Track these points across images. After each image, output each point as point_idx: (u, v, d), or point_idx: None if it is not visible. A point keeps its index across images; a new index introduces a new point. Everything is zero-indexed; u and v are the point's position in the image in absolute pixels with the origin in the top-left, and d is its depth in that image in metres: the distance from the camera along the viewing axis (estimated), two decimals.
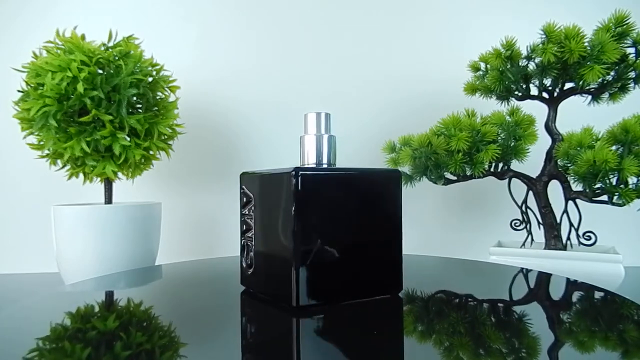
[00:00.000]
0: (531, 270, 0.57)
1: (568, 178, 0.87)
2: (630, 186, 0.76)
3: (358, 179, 0.40)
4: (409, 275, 0.52)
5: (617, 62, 0.82)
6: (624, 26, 0.81)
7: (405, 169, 0.97)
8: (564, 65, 0.83)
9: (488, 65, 0.92)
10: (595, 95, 0.89)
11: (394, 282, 0.41)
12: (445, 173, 0.92)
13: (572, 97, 0.90)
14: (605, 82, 0.86)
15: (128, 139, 0.91)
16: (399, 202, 0.41)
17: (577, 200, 0.87)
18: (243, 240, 0.45)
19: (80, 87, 0.82)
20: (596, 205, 0.83)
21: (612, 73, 0.84)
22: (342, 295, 0.39)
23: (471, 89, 0.97)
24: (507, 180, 0.94)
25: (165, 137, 1.00)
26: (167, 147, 1.00)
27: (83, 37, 0.92)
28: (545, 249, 0.88)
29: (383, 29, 1.30)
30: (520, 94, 0.92)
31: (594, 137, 0.83)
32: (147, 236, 0.97)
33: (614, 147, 0.78)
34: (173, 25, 1.30)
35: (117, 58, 0.89)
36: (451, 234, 1.29)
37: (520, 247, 0.92)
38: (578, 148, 0.80)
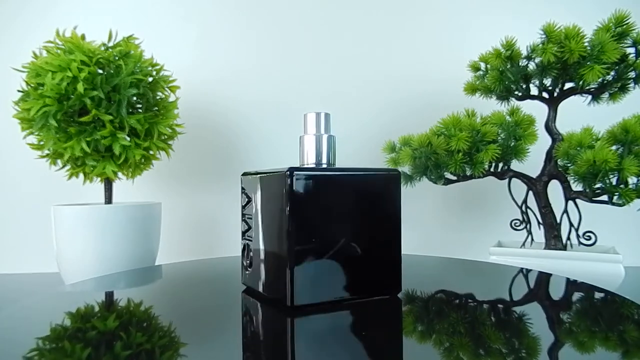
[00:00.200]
0: (531, 270, 0.57)
1: (568, 178, 0.87)
2: (630, 186, 0.76)
3: (355, 179, 0.40)
4: (409, 275, 0.52)
5: (617, 62, 0.82)
6: (624, 26, 0.81)
7: (405, 169, 0.97)
8: (564, 65, 0.83)
9: (488, 65, 0.92)
10: (595, 95, 0.89)
11: (393, 282, 0.41)
12: (445, 173, 0.92)
13: (572, 97, 0.90)
14: (605, 82, 0.86)
15: (128, 139, 0.91)
16: (398, 202, 0.41)
17: (577, 200, 0.87)
18: (243, 240, 0.45)
19: (80, 87, 0.82)
20: (596, 205, 0.83)
21: (612, 73, 0.84)
22: (339, 295, 0.39)
23: (471, 89, 0.97)
24: (507, 180, 0.94)
25: (165, 137, 1.00)
26: (167, 147, 1.00)
27: (83, 37, 0.92)
28: (545, 249, 0.88)
29: (383, 29, 1.30)
30: (520, 94, 0.92)
31: (594, 137, 0.83)
32: (147, 236, 0.97)
33: (614, 147, 0.78)
34: (173, 25, 1.30)
35: (117, 58, 0.89)
36: (451, 234, 1.29)
37: (520, 247, 0.92)
38: (578, 148, 0.80)
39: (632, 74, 0.84)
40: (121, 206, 0.92)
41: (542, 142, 0.91)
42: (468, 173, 0.91)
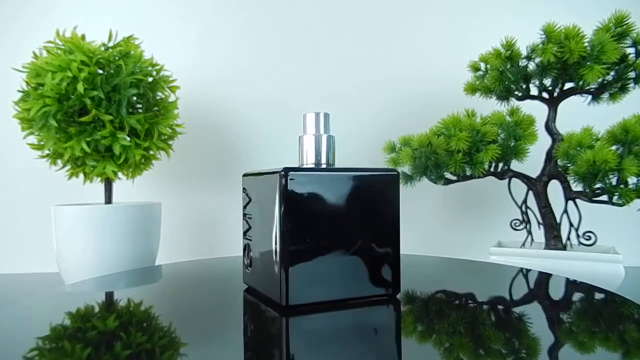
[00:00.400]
0: (531, 270, 0.57)
1: (568, 178, 0.87)
2: (630, 186, 0.76)
3: (352, 179, 0.39)
4: (409, 275, 0.52)
5: (617, 62, 0.82)
6: (624, 26, 0.81)
7: (405, 169, 0.97)
8: (564, 65, 0.83)
9: (488, 65, 0.92)
10: (595, 95, 0.89)
11: (391, 283, 0.41)
12: (445, 173, 0.92)
13: (572, 97, 0.90)
14: (605, 82, 0.86)
15: (128, 139, 0.91)
16: (396, 203, 0.41)
17: (577, 200, 0.87)
18: (244, 240, 0.45)
19: (80, 87, 0.82)
20: (596, 205, 0.83)
21: (612, 73, 0.84)
22: (336, 296, 0.39)
23: (471, 89, 0.97)
24: (507, 180, 0.94)
25: (165, 137, 1.00)
26: (167, 147, 1.00)
27: (83, 37, 0.92)
28: (545, 249, 0.88)
29: (383, 29, 1.30)
30: (520, 94, 0.92)
31: (594, 137, 0.83)
32: (147, 236, 0.97)
33: (614, 147, 0.78)
34: (173, 25, 1.30)
35: (117, 58, 0.89)
36: (451, 234, 1.29)
37: (520, 247, 0.92)
38: (578, 148, 0.80)
39: (632, 74, 0.84)
40: (121, 206, 0.92)
41: (542, 142, 0.91)
42: (468, 173, 0.91)
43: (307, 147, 0.42)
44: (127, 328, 0.35)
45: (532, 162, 0.92)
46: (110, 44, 0.94)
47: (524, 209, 0.94)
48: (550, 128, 0.91)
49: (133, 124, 0.89)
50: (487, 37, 0.96)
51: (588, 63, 0.80)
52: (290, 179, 0.37)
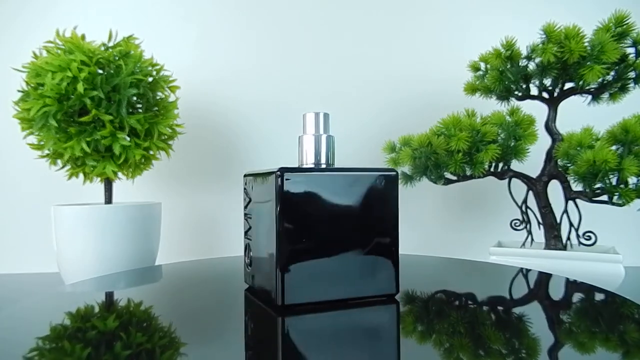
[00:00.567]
0: (531, 270, 0.57)
1: (568, 178, 0.87)
2: (630, 186, 0.76)
3: (350, 179, 0.39)
4: (409, 275, 0.52)
5: (617, 62, 0.82)
6: (624, 26, 0.81)
7: (406, 169, 0.97)
8: (564, 65, 0.83)
9: (488, 65, 0.92)
10: (595, 95, 0.89)
11: (390, 283, 0.41)
12: (445, 173, 0.92)
13: (572, 97, 0.90)
14: (605, 82, 0.86)
15: (128, 139, 0.91)
16: (395, 203, 0.41)
17: (577, 200, 0.87)
18: (245, 240, 0.45)
19: (80, 87, 0.82)
20: (596, 205, 0.83)
21: (612, 73, 0.84)
22: (333, 296, 0.39)
23: (471, 89, 0.97)
24: (507, 180, 0.94)
25: (165, 137, 1.00)
26: (167, 147, 1.00)
27: (83, 37, 0.92)
28: (545, 249, 0.88)
29: (383, 29, 1.30)
30: (520, 94, 0.92)
31: (594, 137, 0.83)
32: (147, 236, 0.97)
33: (614, 147, 0.78)
34: (173, 25, 1.30)
35: (117, 58, 0.89)
36: (451, 234, 1.29)
37: (520, 247, 0.92)
38: (578, 148, 0.80)
39: (632, 74, 0.84)
40: (121, 206, 0.92)
41: (542, 142, 0.91)
42: (468, 173, 0.91)
43: (306, 147, 0.42)
44: (127, 328, 0.35)
45: (532, 162, 0.92)
46: (110, 44, 0.94)
47: (524, 209, 0.94)
48: (550, 128, 0.91)
49: (133, 124, 0.89)
50: (487, 37, 0.96)
51: (588, 63, 0.80)
52: (286, 179, 0.37)
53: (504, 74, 0.89)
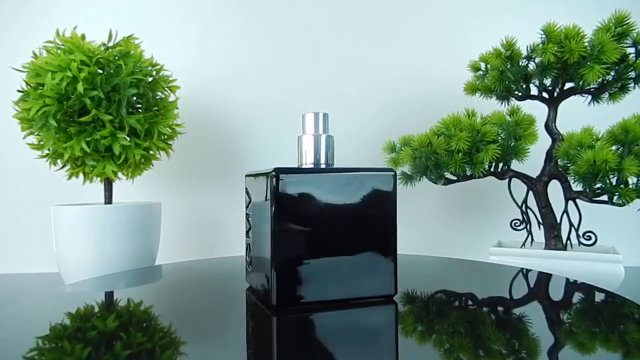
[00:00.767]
0: (531, 270, 0.57)
1: (568, 178, 0.87)
2: (630, 186, 0.76)
3: (346, 179, 0.39)
4: (409, 275, 0.52)
5: (617, 62, 0.82)
6: (624, 26, 0.81)
7: (406, 169, 0.97)
8: (564, 65, 0.83)
9: (488, 65, 0.92)
10: (595, 95, 0.89)
11: (388, 284, 0.41)
12: (445, 173, 0.92)
13: (572, 97, 0.90)
14: (605, 82, 0.85)
15: (128, 139, 0.91)
16: (393, 203, 0.41)
17: (577, 200, 0.87)
18: (246, 239, 0.45)
19: (80, 87, 0.82)
20: (596, 205, 0.83)
21: (612, 73, 0.84)
22: (330, 297, 0.39)
23: (471, 89, 0.97)
24: (507, 180, 0.94)
25: (165, 137, 1.00)
26: (167, 147, 1.00)
27: (83, 37, 0.92)
28: (545, 249, 0.88)
29: (383, 29, 1.30)
30: (520, 94, 0.92)
31: (594, 137, 0.83)
32: (147, 236, 0.97)
33: (614, 147, 0.78)
34: (173, 25, 1.30)
35: (117, 58, 0.89)
36: (451, 234, 1.29)
37: (520, 247, 0.92)
38: (578, 148, 0.80)
39: (632, 74, 0.84)
40: (121, 206, 0.92)
41: (542, 142, 0.91)
42: (468, 173, 0.91)
43: (305, 147, 0.42)
44: (127, 328, 0.35)
45: (532, 162, 0.92)
46: (110, 44, 0.94)
47: (524, 209, 0.94)
48: (550, 128, 0.91)
49: (133, 124, 0.89)
50: (487, 37, 0.96)
51: (588, 63, 0.80)
52: (281, 180, 0.37)
53: (504, 74, 0.89)
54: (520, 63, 0.88)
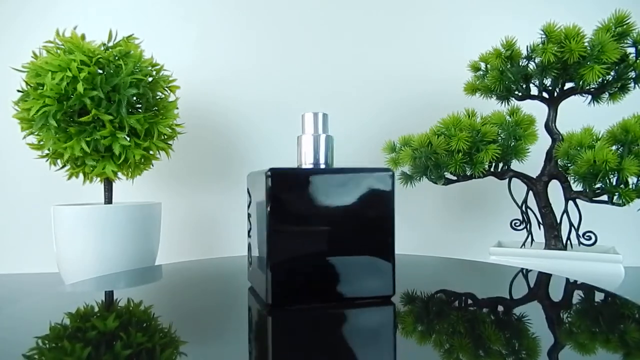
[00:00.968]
0: (531, 270, 0.57)
1: (568, 178, 0.87)
2: (630, 186, 0.76)
3: (343, 179, 0.39)
4: (409, 275, 0.52)
5: (617, 62, 0.82)
6: (624, 26, 0.81)
7: (406, 169, 0.97)
8: (564, 65, 0.83)
9: (488, 65, 0.92)
10: (595, 95, 0.89)
11: (386, 285, 0.40)
12: (445, 173, 0.92)
13: (572, 97, 0.90)
14: (605, 82, 0.85)
15: (128, 139, 0.91)
16: (391, 202, 0.40)
17: (577, 200, 0.87)
18: (248, 239, 0.45)
19: (80, 87, 0.82)
20: (596, 205, 0.83)
21: (612, 73, 0.84)
22: (326, 297, 0.39)
23: (471, 89, 0.97)
24: (507, 180, 0.94)
25: (165, 137, 1.00)
26: (167, 147, 1.00)
27: (83, 37, 0.92)
28: (545, 249, 0.88)
29: (383, 29, 1.30)
30: (520, 94, 0.92)
31: (594, 137, 0.83)
32: (147, 236, 0.97)
33: (614, 147, 0.78)
34: (173, 25, 1.30)
35: (117, 58, 0.89)
36: (451, 234, 1.29)
37: (520, 247, 0.92)
38: (578, 148, 0.80)
39: (632, 74, 0.84)
40: (121, 206, 0.92)
41: (542, 142, 0.91)
42: (468, 173, 0.91)
43: (305, 147, 0.42)
44: (127, 328, 0.35)
45: (532, 162, 0.92)
46: (110, 44, 0.94)
47: (524, 209, 0.94)
48: (550, 128, 0.91)
49: (133, 123, 0.89)
50: (487, 37, 0.96)
51: (588, 63, 0.80)
52: (276, 180, 0.37)
53: (504, 74, 0.89)
54: (520, 63, 0.88)
